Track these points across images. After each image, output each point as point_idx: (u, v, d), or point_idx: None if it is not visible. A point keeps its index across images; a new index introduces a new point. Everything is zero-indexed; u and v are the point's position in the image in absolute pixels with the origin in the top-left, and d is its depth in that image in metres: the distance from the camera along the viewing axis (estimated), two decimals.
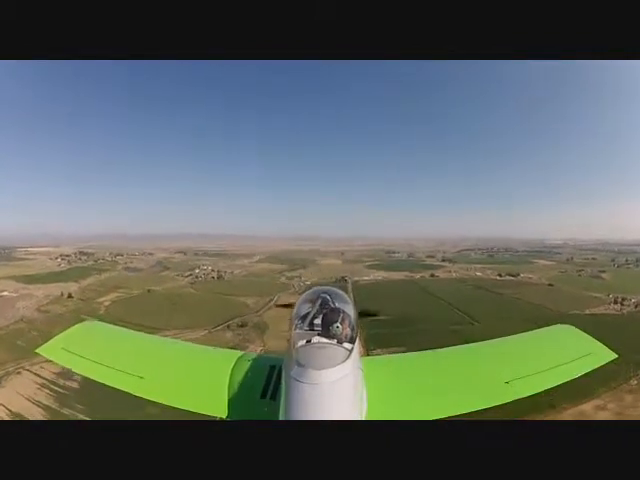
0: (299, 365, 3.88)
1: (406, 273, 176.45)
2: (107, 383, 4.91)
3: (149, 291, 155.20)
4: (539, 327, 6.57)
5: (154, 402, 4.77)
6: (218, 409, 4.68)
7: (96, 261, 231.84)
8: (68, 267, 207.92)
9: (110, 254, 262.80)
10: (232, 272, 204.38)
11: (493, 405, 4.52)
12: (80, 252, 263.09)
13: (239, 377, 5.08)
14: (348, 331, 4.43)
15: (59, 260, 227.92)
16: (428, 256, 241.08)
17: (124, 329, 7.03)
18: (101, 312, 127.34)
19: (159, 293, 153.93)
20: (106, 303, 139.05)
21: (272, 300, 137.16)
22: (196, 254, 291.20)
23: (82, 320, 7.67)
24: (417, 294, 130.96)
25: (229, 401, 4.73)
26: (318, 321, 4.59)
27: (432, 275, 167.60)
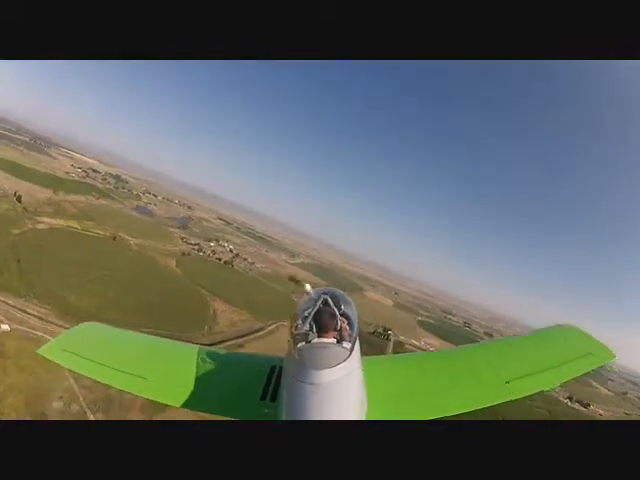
0: (299, 365, 3.89)
1: None
2: (109, 384, 4.98)
3: (114, 238, 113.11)
4: None
5: (156, 402, 4.86)
6: (219, 409, 4.81)
7: (117, 188, 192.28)
8: (77, 179, 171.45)
9: (144, 190, 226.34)
10: (253, 263, 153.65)
11: (494, 404, 4.56)
12: (115, 175, 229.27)
13: (239, 377, 5.18)
14: (348, 331, 4.43)
15: (79, 170, 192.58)
16: (486, 332, 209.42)
17: (125, 330, 6.67)
18: (15, 231, 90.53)
19: (124, 247, 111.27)
20: (40, 226, 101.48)
21: (260, 330, 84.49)
22: (238, 228, 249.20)
23: None
24: None
25: (229, 401, 4.88)
26: (319, 321, 4.40)
27: None
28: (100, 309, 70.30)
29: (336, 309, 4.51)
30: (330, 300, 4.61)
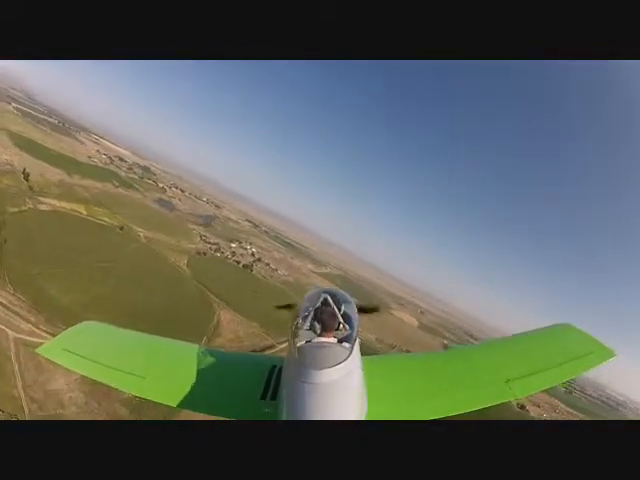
0: (299, 365, 3.92)
1: None
2: (108, 383, 4.96)
3: (122, 228, 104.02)
4: None
5: (156, 403, 4.85)
6: (218, 409, 4.82)
7: (141, 178, 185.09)
8: (99, 165, 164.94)
9: (171, 184, 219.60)
10: (275, 270, 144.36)
11: (494, 404, 4.59)
12: (143, 167, 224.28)
13: (239, 377, 5.16)
14: (349, 330, 4.49)
15: (104, 157, 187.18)
16: None
17: (125, 329, 6.47)
18: (12, 209, 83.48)
19: (130, 238, 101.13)
20: (42, 207, 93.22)
21: (269, 348, 73.65)
22: (266, 232, 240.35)
23: None
24: None
25: (229, 401, 4.88)
26: (319, 320, 4.47)
27: (522, 407, 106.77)
28: (82, 307, 59.81)
29: (336, 308, 4.49)
30: (330, 299, 4.61)
